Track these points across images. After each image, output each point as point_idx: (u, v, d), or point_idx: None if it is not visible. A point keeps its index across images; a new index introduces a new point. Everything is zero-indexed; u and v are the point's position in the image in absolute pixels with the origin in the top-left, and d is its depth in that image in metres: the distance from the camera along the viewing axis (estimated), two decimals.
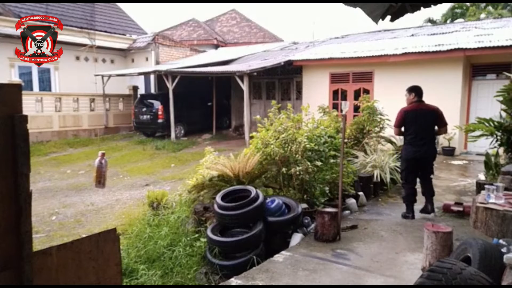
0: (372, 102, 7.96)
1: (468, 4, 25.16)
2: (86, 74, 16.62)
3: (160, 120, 15.03)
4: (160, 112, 14.94)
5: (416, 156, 5.07)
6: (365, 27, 52.17)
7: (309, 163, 5.27)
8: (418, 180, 5.34)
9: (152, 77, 17.95)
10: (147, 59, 18.49)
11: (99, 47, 17.04)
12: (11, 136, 1.50)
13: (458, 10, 26.02)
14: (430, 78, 10.28)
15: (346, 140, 7.42)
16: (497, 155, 6.57)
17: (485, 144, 6.93)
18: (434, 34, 13.24)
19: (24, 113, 1.55)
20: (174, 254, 4.50)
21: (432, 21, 26.66)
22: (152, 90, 18.14)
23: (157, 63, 18.08)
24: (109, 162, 7.86)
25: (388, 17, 3.02)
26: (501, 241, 3.27)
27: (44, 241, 5.65)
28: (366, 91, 11.45)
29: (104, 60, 18.23)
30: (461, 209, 5.29)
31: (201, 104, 16.47)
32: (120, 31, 19.38)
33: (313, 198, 5.40)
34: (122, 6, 21.76)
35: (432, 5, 2.93)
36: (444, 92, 10.04)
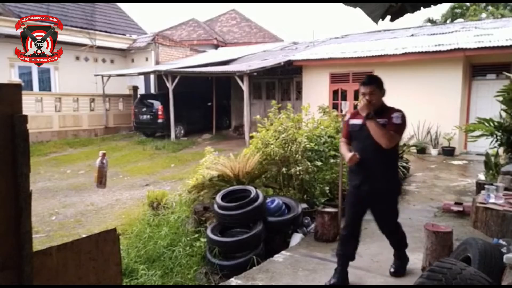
0: None
1: (468, 4, 25.16)
2: (86, 74, 16.60)
3: (160, 120, 15.02)
4: (160, 112, 14.93)
5: None
6: (365, 27, 52.13)
7: (309, 163, 5.27)
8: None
9: (152, 77, 17.95)
10: (147, 59, 18.49)
11: (99, 47, 17.03)
12: (11, 136, 1.50)
13: (458, 10, 26.03)
14: (430, 78, 10.27)
15: None
16: (497, 155, 6.58)
17: (485, 144, 6.93)
18: (434, 34, 13.23)
19: (24, 113, 1.55)
20: (174, 254, 4.50)
21: (432, 21, 26.67)
22: (152, 90, 18.13)
23: (157, 63, 18.07)
24: (109, 162, 7.86)
25: (388, 17, 3.02)
26: (501, 241, 3.28)
27: (44, 241, 5.64)
28: None
29: (104, 60, 18.22)
30: (461, 209, 5.29)
31: (201, 104, 16.45)
32: (120, 31, 19.37)
33: (313, 198, 5.40)
34: (122, 6, 21.78)
35: (432, 5, 2.92)
36: (444, 92, 10.02)
